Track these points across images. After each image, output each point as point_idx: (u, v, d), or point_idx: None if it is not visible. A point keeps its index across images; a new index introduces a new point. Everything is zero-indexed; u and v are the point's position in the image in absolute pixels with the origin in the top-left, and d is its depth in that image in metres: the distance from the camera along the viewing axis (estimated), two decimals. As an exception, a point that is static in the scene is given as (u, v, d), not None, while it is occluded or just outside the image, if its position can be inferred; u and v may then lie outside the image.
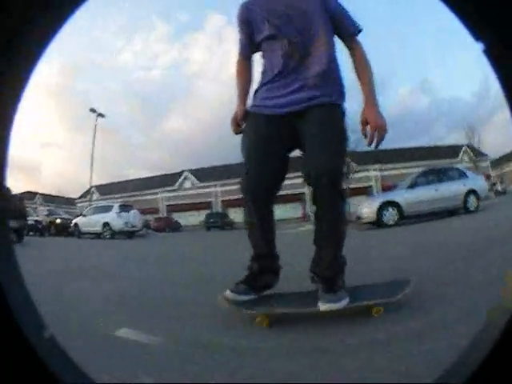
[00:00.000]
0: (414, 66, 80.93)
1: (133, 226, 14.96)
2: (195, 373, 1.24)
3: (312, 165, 1.60)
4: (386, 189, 32.67)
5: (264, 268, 1.80)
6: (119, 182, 41.87)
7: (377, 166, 34.32)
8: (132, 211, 15.42)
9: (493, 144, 42.83)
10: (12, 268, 0.51)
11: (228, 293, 1.74)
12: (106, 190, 38.02)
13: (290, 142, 1.78)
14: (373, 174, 34.78)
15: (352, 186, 32.56)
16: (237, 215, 30.55)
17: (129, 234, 14.90)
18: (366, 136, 1.70)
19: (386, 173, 34.13)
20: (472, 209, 9.58)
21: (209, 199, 35.97)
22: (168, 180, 37.71)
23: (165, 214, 34.95)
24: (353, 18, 1.78)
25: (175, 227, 29.05)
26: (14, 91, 0.47)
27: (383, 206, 9.45)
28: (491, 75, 0.47)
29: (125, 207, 15.50)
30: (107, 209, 15.16)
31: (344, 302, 1.59)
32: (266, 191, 1.74)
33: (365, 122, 1.69)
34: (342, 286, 1.69)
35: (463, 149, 37.08)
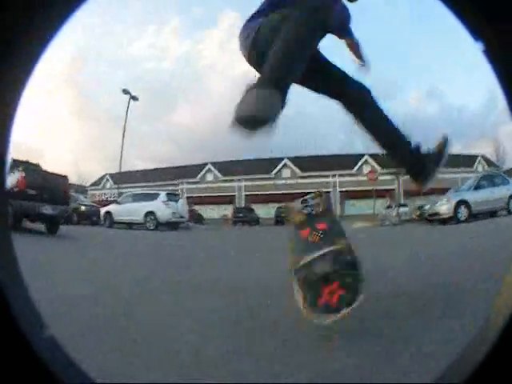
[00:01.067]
0: (421, 73, 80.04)
1: (181, 217, 13.68)
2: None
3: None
4: (410, 194, 32.56)
5: None
6: (135, 171, 40.63)
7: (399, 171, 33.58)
8: (180, 200, 14.14)
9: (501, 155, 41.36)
10: (12, 266, 0.50)
11: None
12: (120, 178, 36.53)
13: None
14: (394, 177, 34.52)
15: (378, 187, 32.83)
16: (261, 211, 29.95)
17: (174, 226, 13.61)
18: None
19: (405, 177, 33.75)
20: (512, 210, 11.80)
21: (232, 193, 34.76)
22: (189, 172, 36.51)
23: (185, 206, 33.86)
24: None
25: (198, 220, 28.41)
26: (15, 90, 0.47)
27: (458, 204, 11.18)
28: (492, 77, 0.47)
29: (172, 196, 14.22)
30: (151, 197, 13.85)
31: None
32: None
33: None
34: None
35: (478, 159, 37.33)
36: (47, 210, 7.93)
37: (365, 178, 35.21)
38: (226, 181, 35.50)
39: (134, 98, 25.95)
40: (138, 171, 41.06)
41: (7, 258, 0.50)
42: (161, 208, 13.16)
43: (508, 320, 0.45)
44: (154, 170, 40.88)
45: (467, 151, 39.23)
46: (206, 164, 36.84)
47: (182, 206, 14.04)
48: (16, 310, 0.46)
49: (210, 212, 33.66)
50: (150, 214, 13.30)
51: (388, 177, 32.45)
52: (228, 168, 35.63)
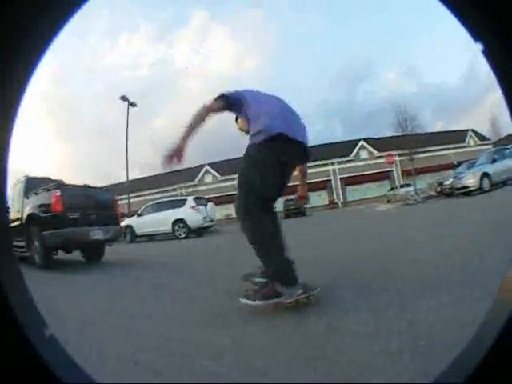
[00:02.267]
0: (399, 51, 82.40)
1: (211, 221, 13.35)
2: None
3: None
4: (406, 173, 33.26)
5: None
6: (126, 182, 39.81)
7: (397, 152, 33.69)
8: (209, 204, 13.76)
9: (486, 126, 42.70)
10: (13, 268, 0.50)
11: None
12: (118, 189, 35.48)
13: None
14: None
15: (373, 171, 33.20)
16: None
17: (202, 231, 13.29)
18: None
19: (403, 158, 34.01)
20: (521, 179, 13.72)
21: (233, 192, 34.49)
22: (186, 175, 35.95)
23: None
24: None
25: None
26: (15, 94, 0.47)
27: (482, 177, 12.62)
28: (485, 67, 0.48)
29: (200, 200, 13.77)
30: (178, 203, 13.32)
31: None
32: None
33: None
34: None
35: (469, 133, 38.28)
36: (98, 234, 6.01)
37: (361, 163, 35.98)
38: (224, 180, 35.16)
39: (133, 105, 24.17)
40: (128, 181, 40.15)
41: (8, 258, 0.49)
42: (190, 214, 12.67)
43: (507, 321, 0.45)
44: (147, 178, 39.88)
45: (454, 127, 40.53)
46: (202, 166, 36.35)
47: (211, 209, 13.70)
48: (17, 310, 0.46)
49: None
50: (178, 221, 12.66)
51: (382, 160, 33.59)
52: (225, 167, 35.30)
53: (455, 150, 35.38)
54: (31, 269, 5.60)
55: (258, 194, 2.13)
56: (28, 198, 6.27)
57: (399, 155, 33.32)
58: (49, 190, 5.84)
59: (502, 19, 0.44)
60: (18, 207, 6.46)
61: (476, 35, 0.46)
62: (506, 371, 0.45)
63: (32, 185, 6.49)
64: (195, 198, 13.44)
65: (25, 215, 6.10)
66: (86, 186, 6.56)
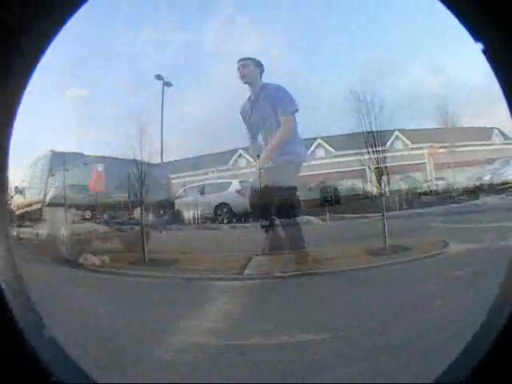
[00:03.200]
0: (423, 48, 79.44)
1: (257, 205, 12.42)
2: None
3: None
4: (438, 167, 33.12)
5: None
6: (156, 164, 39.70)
7: (428, 145, 33.75)
8: (255, 188, 12.85)
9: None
10: (12, 269, 0.49)
11: None
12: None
13: None
14: (425, 151, 34.71)
15: (406, 163, 32.78)
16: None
17: (244, 217, 12.38)
18: None
19: (439, 150, 33.63)
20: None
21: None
22: (219, 159, 35.26)
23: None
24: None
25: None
26: (15, 93, 0.47)
27: None
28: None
29: (245, 183, 12.90)
30: (221, 186, 12.56)
31: None
32: None
33: None
34: None
35: (495, 131, 37.64)
36: (151, 219, 5.21)
37: (396, 154, 35.29)
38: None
39: (168, 84, 23.07)
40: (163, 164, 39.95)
41: (7, 259, 0.48)
42: (236, 198, 11.90)
43: (507, 321, 0.45)
44: (178, 161, 39.19)
45: (477, 123, 41.22)
46: (236, 150, 35.49)
47: (258, 193, 12.79)
48: (16, 312, 0.45)
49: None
50: (222, 205, 12.04)
51: (417, 152, 33.75)
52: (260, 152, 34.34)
53: (483, 147, 35.78)
54: (57, 264, 4.62)
55: None
56: (54, 175, 5.37)
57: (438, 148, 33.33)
58: (86, 164, 4.95)
59: (502, 19, 0.43)
60: (39, 188, 5.60)
61: (476, 35, 0.45)
62: (505, 372, 0.43)
63: (59, 162, 5.63)
64: (241, 182, 12.55)
65: (48, 197, 5.22)
66: (135, 161, 5.65)
